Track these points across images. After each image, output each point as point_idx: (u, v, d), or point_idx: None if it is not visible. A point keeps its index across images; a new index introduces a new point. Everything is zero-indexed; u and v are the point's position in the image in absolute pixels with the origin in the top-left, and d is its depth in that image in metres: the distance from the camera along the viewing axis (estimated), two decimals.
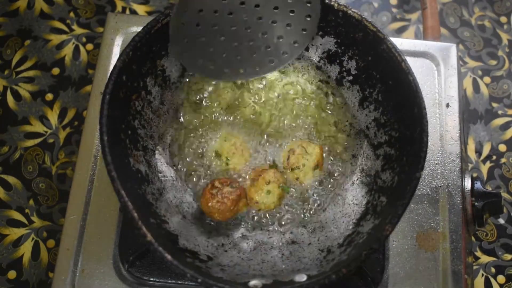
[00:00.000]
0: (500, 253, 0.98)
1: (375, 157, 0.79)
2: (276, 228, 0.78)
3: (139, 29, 0.73)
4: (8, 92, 1.07)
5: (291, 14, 0.73)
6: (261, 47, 0.75)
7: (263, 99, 0.84)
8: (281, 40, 0.75)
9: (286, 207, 0.79)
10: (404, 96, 0.73)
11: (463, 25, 1.16)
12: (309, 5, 0.73)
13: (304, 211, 0.79)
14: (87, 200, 0.82)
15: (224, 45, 0.74)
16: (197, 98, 0.84)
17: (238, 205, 0.76)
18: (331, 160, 0.81)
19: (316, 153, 0.79)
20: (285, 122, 0.83)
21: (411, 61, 0.73)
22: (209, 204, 0.75)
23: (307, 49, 0.84)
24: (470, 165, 1.03)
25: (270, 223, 0.78)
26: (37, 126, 1.05)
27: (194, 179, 0.80)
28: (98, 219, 0.81)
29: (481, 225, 0.83)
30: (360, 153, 0.81)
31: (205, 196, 0.75)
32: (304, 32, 0.75)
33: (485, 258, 0.97)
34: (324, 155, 0.81)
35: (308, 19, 0.74)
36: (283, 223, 0.78)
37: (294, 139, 0.81)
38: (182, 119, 0.82)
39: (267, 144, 0.81)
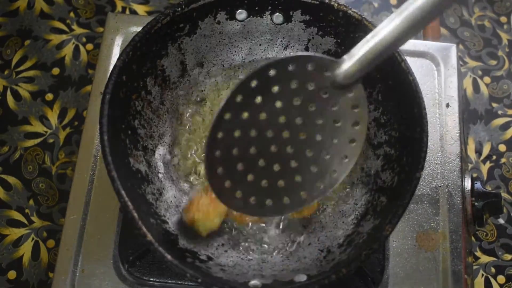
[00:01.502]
0: (500, 253, 0.98)
1: (375, 157, 0.79)
2: (276, 228, 0.78)
3: (139, 29, 0.73)
4: (8, 92, 1.07)
5: (336, 125, 0.61)
6: (306, 169, 0.62)
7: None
8: (328, 157, 0.62)
9: None
10: (404, 96, 0.73)
11: (463, 25, 1.16)
12: (356, 110, 0.61)
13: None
14: (87, 200, 0.82)
15: (264, 171, 0.61)
16: (198, 97, 0.84)
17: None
18: None
19: None
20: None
21: (411, 61, 0.73)
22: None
23: (307, 49, 0.84)
24: (470, 165, 1.03)
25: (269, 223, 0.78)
26: (37, 126, 1.05)
27: (194, 178, 0.80)
28: (98, 219, 0.81)
29: (481, 225, 0.83)
30: (360, 153, 0.81)
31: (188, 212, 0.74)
32: (353, 144, 0.62)
33: (485, 258, 0.97)
34: None
35: (356, 127, 0.61)
36: (281, 224, 0.78)
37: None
38: (182, 119, 0.82)
39: None
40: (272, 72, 0.58)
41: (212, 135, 0.58)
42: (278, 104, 0.60)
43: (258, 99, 0.59)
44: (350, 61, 0.58)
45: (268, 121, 0.60)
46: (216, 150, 0.59)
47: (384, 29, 0.56)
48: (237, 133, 0.59)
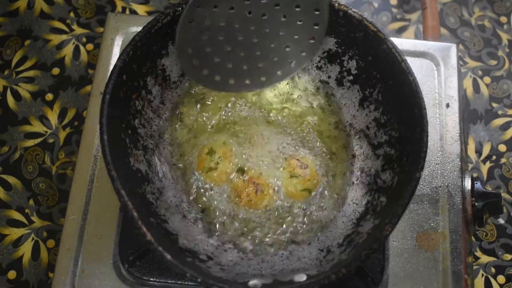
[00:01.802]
0: (500, 253, 0.98)
1: (375, 157, 0.79)
2: (275, 228, 0.78)
3: (139, 29, 0.73)
4: (8, 92, 1.07)
5: (298, 23, 0.71)
6: (267, 57, 0.73)
7: (263, 99, 0.84)
8: (288, 49, 0.73)
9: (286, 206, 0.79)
10: (404, 96, 0.73)
11: (463, 25, 1.16)
12: (317, 13, 0.70)
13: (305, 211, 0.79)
14: (87, 200, 0.82)
15: (229, 55, 0.72)
16: (198, 97, 0.84)
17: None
18: (331, 160, 0.81)
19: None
20: (285, 121, 0.83)
21: (411, 61, 0.73)
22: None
23: None
24: (470, 165, 1.03)
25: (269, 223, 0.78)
26: (37, 126, 1.05)
27: (195, 178, 0.80)
28: (98, 219, 0.81)
29: (481, 225, 0.83)
30: (360, 153, 0.81)
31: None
32: (311, 41, 0.73)
33: (485, 258, 0.97)
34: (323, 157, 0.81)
35: (316, 27, 0.71)
36: (282, 223, 0.78)
37: (292, 141, 0.81)
38: (182, 118, 0.82)
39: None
40: None
41: (184, 21, 0.67)
42: (247, 1, 0.69)
43: None
44: None
45: (236, 14, 0.69)
46: (188, 33, 0.68)
47: None
48: (207, 22, 0.68)
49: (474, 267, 0.96)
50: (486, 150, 1.05)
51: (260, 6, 0.70)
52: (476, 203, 0.83)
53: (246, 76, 0.73)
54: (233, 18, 0.70)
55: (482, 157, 1.05)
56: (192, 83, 0.83)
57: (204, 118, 0.83)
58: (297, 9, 0.70)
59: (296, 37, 0.72)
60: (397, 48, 0.73)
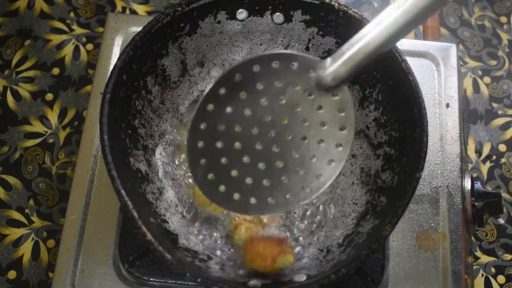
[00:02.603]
0: (500, 253, 0.98)
1: (375, 157, 0.79)
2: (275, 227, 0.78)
3: (139, 29, 0.73)
4: (8, 92, 1.07)
5: (322, 127, 0.61)
6: (292, 170, 0.61)
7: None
8: (314, 160, 0.61)
9: None
10: (404, 96, 0.73)
11: (463, 25, 1.16)
12: (342, 114, 0.60)
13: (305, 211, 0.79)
14: (87, 200, 0.82)
15: (248, 167, 0.60)
16: (198, 97, 0.84)
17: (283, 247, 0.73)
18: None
19: None
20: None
21: (411, 61, 0.73)
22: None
23: (307, 49, 0.84)
24: (470, 165, 1.03)
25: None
26: (37, 126, 1.05)
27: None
28: (98, 219, 0.81)
29: (481, 225, 0.83)
30: (360, 153, 0.81)
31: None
32: (339, 149, 0.61)
33: (485, 258, 0.97)
34: None
35: (343, 132, 0.61)
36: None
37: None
38: (182, 118, 0.82)
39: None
40: (256, 68, 0.58)
41: (195, 125, 0.58)
42: (263, 101, 0.59)
43: (242, 94, 0.59)
44: (335, 63, 0.58)
45: (253, 118, 0.60)
46: (199, 141, 0.59)
47: (371, 32, 0.56)
48: (221, 127, 0.59)
49: (474, 267, 0.96)
50: (486, 150, 1.05)
51: (280, 108, 0.60)
52: (476, 203, 0.83)
53: (268, 194, 0.61)
54: (250, 123, 0.60)
55: (482, 157, 1.05)
56: (192, 83, 0.83)
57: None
58: (320, 111, 0.60)
59: (321, 145, 0.61)
60: (397, 48, 0.73)
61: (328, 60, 0.58)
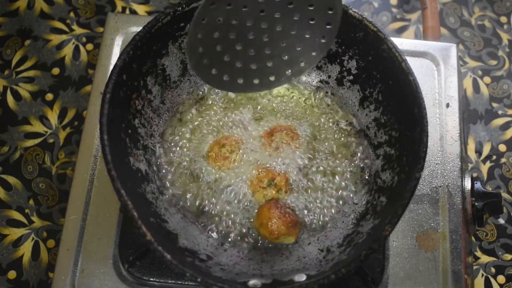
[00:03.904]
0: (500, 253, 0.98)
1: (375, 157, 0.79)
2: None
3: (139, 29, 0.73)
4: (8, 92, 1.07)
5: (311, 22, 0.70)
6: (277, 56, 0.71)
7: (263, 99, 0.84)
8: (299, 49, 0.71)
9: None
10: (404, 96, 0.73)
11: (463, 25, 1.16)
12: (330, 12, 0.69)
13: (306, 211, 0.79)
14: (87, 200, 0.82)
15: (239, 54, 0.70)
16: (198, 96, 0.84)
17: (292, 230, 0.74)
18: (331, 160, 0.81)
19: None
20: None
21: (411, 61, 0.73)
22: (272, 215, 0.73)
23: None
24: (470, 165, 1.03)
25: None
26: (37, 126, 1.05)
27: (195, 177, 0.80)
28: (98, 219, 0.81)
29: (481, 225, 0.83)
30: (360, 153, 0.81)
31: (268, 210, 0.74)
32: (323, 41, 0.71)
33: (485, 258, 0.97)
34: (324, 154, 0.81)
35: (328, 27, 0.70)
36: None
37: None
38: (182, 117, 0.82)
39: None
40: None
41: (198, 18, 0.64)
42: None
43: None
44: None
45: (249, 12, 0.66)
46: (199, 32, 0.65)
47: None
48: (220, 20, 0.66)
49: (474, 267, 0.96)
50: (486, 150, 1.05)
51: (274, 4, 0.68)
52: (476, 203, 0.82)
53: (255, 76, 0.72)
54: (245, 16, 0.68)
55: (482, 157, 1.05)
56: (192, 82, 0.83)
57: (205, 117, 0.83)
58: (310, 8, 0.68)
59: (307, 36, 0.71)
60: (397, 48, 0.73)
61: None
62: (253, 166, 0.79)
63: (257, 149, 0.80)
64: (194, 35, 0.67)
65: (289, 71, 0.72)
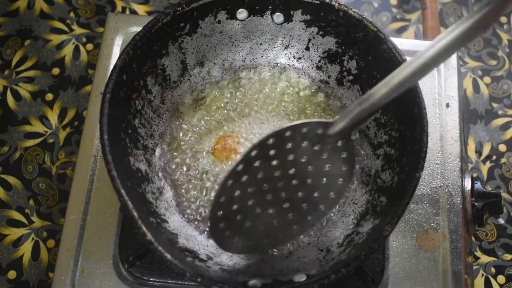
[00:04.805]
0: (500, 253, 0.98)
1: (375, 157, 0.79)
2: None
3: (139, 29, 0.73)
4: (8, 92, 1.07)
5: (325, 168, 0.69)
6: (297, 207, 0.70)
7: (263, 99, 0.84)
8: (316, 195, 0.70)
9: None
10: (404, 96, 0.73)
11: None
12: (343, 155, 0.68)
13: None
14: (87, 200, 0.82)
15: (260, 216, 0.69)
16: (198, 97, 0.84)
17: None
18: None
19: None
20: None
21: None
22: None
23: (307, 49, 0.84)
24: (470, 165, 1.03)
25: None
26: (37, 126, 1.05)
27: (195, 177, 0.80)
28: (98, 219, 0.81)
29: (481, 225, 0.83)
30: (360, 152, 0.81)
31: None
32: (340, 181, 0.70)
33: (485, 258, 0.97)
34: None
35: (344, 168, 0.69)
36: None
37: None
38: (182, 118, 0.82)
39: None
40: (270, 140, 0.64)
41: (216, 199, 0.64)
42: (274, 162, 0.66)
43: (257, 163, 0.65)
44: (343, 122, 0.64)
45: (264, 178, 0.67)
46: (219, 210, 0.65)
47: (377, 93, 0.61)
48: (236, 193, 0.66)
49: (474, 267, 0.96)
50: (486, 150, 1.05)
51: (288, 163, 0.67)
52: (476, 203, 0.82)
53: (278, 232, 0.71)
54: (261, 182, 0.67)
55: (482, 157, 1.05)
56: (192, 83, 0.83)
57: (204, 117, 0.83)
58: (323, 155, 0.68)
59: (324, 181, 0.70)
60: (398, 48, 0.73)
61: (337, 119, 0.64)
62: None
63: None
64: (215, 216, 0.66)
65: (311, 217, 0.72)
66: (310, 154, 0.67)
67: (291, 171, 0.68)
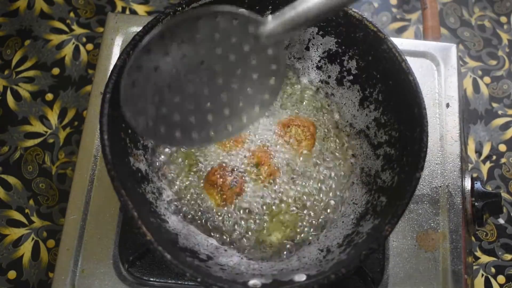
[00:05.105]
0: (500, 253, 0.98)
1: (375, 157, 0.79)
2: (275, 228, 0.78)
3: (139, 29, 0.73)
4: (8, 92, 1.07)
5: (253, 76, 0.65)
6: (218, 110, 0.66)
7: None
8: (240, 104, 0.66)
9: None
10: (404, 96, 0.73)
11: (463, 25, 1.16)
12: (273, 67, 0.65)
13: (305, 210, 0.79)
14: (87, 200, 0.82)
15: (179, 107, 0.64)
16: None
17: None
18: (331, 159, 0.81)
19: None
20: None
21: (411, 61, 0.73)
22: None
23: (307, 49, 0.84)
24: (470, 165, 1.03)
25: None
26: (37, 126, 1.05)
27: (195, 177, 0.80)
28: (98, 219, 0.81)
29: (481, 225, 0.83)
30: (360, 153, 0.81)
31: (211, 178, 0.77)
32: (266, 96, 0.66)
33: (485, 258, 0.97)
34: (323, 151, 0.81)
35: (271, 81, 0.65)
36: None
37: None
38: None
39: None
40: (201, 22, 0.60)
41: (132, 68, 0.60)
42: (201, 50, 0.62)
43: (180, 42, 0.61)
44: (274, 22, 0.60)
45: (188, 63, 0.63)
46: (138, 83, 0.61)
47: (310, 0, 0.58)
48: (163, 66, 0.62)
49: (474, 267, 0.96)
50: (486, 150, 1.05)
51: (215, 56, 0.63)
52: (476, 203, 0.82)
53: (210, 128, 0.66)
54: (185, 67, 0.63)
55: (482, 157, 1.05)
56: None
57: None
58: (252, 62, 0.64)
59: (249, 91, 0.66)
60: (397, 48, 0.73)
61: (269, 18, 0.61)
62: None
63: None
64: (129, 86, 0.61)
65: (230, 127, 0.67)
66: (238, 55, 0.63)
67: (218, 67, 0.64)
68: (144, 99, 0.63)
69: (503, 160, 1.05)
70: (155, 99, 0.63)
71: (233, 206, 0.77)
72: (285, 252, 0.75)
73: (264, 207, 0.78)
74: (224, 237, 0.76)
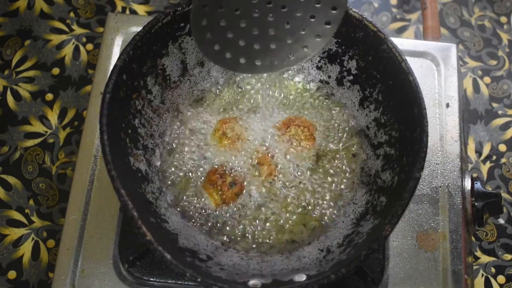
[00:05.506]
0: (500, 253, 0.98)
1: (375, 157, 0.79)
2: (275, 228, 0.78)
3: (139, 29, 0.73)
4: (8, 92, 1.07)
5: (316, 5, 0.70)
6: (281, 38, 0.71)
7: (263, 100, 0.84)
8: (303, 32, 0.71)
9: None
10: (404, 96, 0.73)
11: (463, 25, 1.16)
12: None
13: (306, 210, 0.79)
14: (87, 200, 0.82)
15: (243, 32, 0.70)
16: (198, 97, 0.84)
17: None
18: (331, 159, 0.81)
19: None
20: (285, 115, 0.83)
21: (411, 61, 0.73)
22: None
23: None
24: (470, 165, 1.03)
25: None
26: (37, 126, 1.05)
27: (195, 177, 0.80)
28: (98, 219, 0.81)
29: (481, 225, 0.83)
30: (360, 153, 0.81)
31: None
32: (327, 26, 0.71)
33: (485, 258, 0.97)
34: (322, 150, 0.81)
35: (334, 12, 0.70)
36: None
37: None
38: (182, 117, 0.82)
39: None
40: None
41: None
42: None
43: None
44: None
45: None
46: (204, 5, 0.66)
47: None
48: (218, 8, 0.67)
49: (474, 267, 0.96)
50: (486, 150, 1.05)
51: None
52: (476, 203, 0.83)
53: (257, 57, 0.71)
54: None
55: (482, 157, 1.05)
56: (192, 82, 0.83)
57: (204, 117, 0.83)
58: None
59: (312, 20, 0.70)
60: (397, 48, 0.73)
61: None
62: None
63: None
64: (200, 6, 0.67)
65: (292, 55, 0.71)
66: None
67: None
68: (213, 21, 0.67)
69: (503, 160, 1.05)
70: (222, 23, 0.68)
71: (233, 206, 0.77)
72: (285, 252, 0.75)
73: (264, 207, 0.78)
74: (224, 237, 0.76)
